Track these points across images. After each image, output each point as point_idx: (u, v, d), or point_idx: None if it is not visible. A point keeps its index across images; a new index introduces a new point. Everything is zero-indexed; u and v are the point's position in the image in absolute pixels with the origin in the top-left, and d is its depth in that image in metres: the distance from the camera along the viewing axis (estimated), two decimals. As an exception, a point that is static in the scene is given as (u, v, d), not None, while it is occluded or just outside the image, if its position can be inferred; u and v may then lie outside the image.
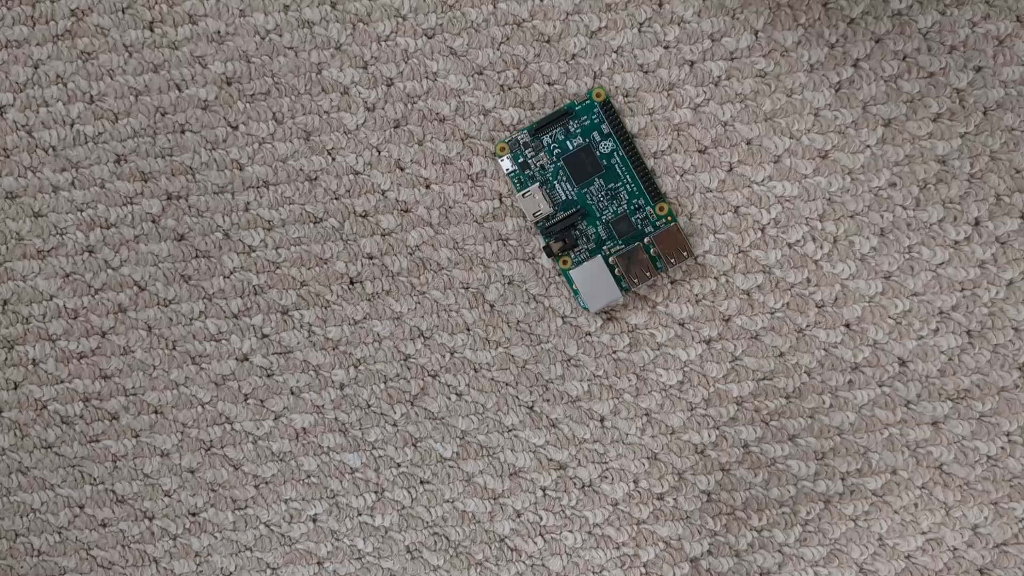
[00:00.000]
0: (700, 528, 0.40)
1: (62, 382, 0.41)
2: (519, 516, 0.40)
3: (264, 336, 0.41)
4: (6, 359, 0.41)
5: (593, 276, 0.39)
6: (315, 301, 0.41)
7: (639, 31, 0.40)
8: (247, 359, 0.41)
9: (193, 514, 0.41)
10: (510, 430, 0.40)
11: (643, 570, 0.40)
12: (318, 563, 0.41)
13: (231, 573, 0.41)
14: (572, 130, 0.40)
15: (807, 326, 0.40)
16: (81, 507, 0.41)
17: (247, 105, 0.41)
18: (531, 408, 0.40)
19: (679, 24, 0.40)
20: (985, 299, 0.40)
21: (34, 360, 0.41)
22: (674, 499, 0.40)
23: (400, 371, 0.41)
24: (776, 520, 0.40)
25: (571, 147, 0.40)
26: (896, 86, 0.40)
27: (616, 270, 0.39)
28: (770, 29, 0.40)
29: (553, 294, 0.40)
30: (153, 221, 0.41)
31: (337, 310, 0.41)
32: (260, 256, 0.41)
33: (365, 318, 0.41)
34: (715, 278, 0.40)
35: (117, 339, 0.41)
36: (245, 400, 0.41)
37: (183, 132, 0.41)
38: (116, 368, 0.41)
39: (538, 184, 0.40)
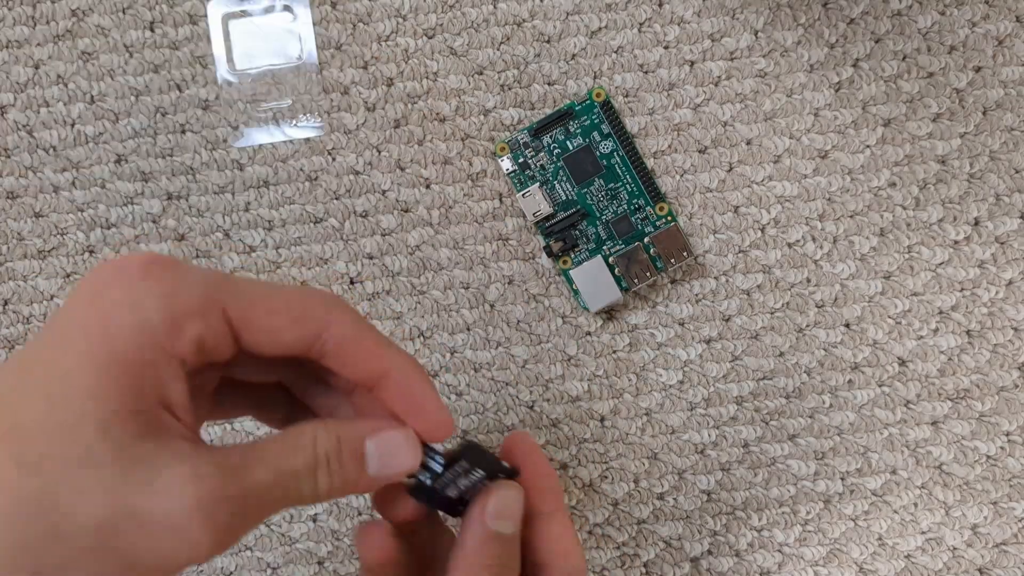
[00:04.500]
0: (700, 528, 0.40)
1: (62, 382, 0.41)
2: (519, 516, 0.40)
3: (264, 336, 0.41)
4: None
5: (593, 276, 0.39)
6: (315, 301, 0.41)
7: (639, 31, 0.40)
8: (247, 359, 0.41)
9: (193, 514, 0.41)
10: (510, 430, 0.40)
11: (643, 570, 0.40)
12: (318, 563, 0.41)
13: (231, 573, 0.41)
14: (572, 130, 0.40)
15: (807, 326, 0.40)
16: (81, 507, 0.41)
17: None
18: (531, 408, 0.40)
19: (679, 24, 0.40)
20: (985, 299, 0.40)
21: (35, 360, 0.41)
22: (674, 499, 0.40)
23: (400, 371, 0.41)
24: (776, 520, 0.40)
25: (571, 147, 0.40)
26: (896, 86, 0.40)
27: (616, 270, 0.39)
28: (770, 29, 0.40)
29: (553, 294, 0.40)
30: (153, 221, 0.41)
31: (337, 310, 0.41)
32: (260, 256, 0.41)
33: (365, 318, 0.41)
34: (715, 278, 0.40)
35: (117, 339, 0.41)
36: (245, 400, 0.41)
37: (183, 132, 0.41)
38: (116, 368, 0.41)
39: (538, 184, 0.40)
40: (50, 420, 0.20)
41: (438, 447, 0.27)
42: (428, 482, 0.26)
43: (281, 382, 0.28)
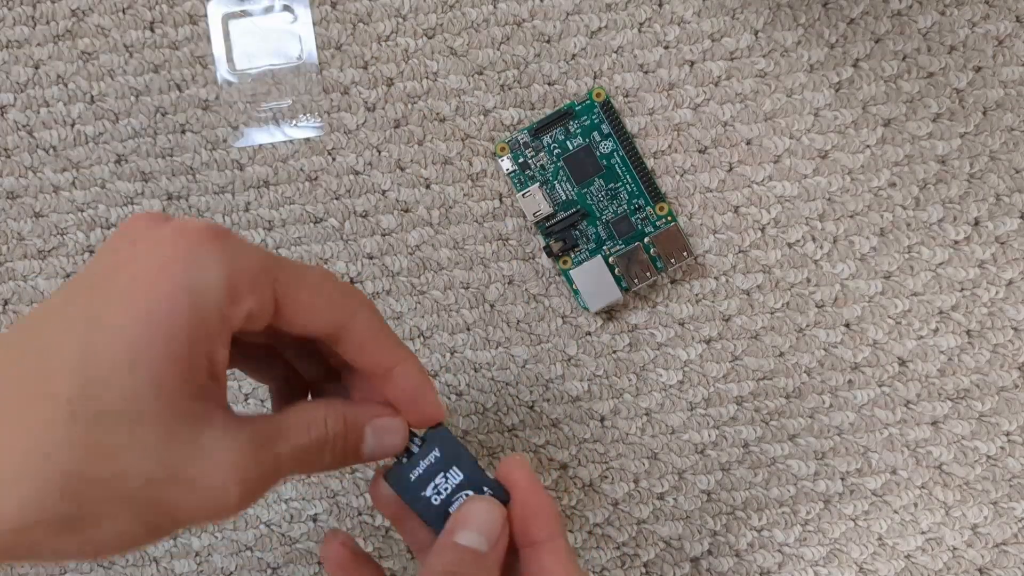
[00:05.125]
0: (700, 528, 0.40)
1: (63, 382, 0.41)
2: (519, 516, 0.40)
3: (264, 336, 0.41)
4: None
5: (593, 276, 0.39)
6: (315, 301, 0.41)
7: (639, 31, 0.40)
8: (247, 359, 0.41)
9: (193, 514, 0.41)
10: (510, 430, 0.40)
11: (643, 570, 0.40)
12: (318, 563, 0.41)
13: (231, 573, 0.41)
14: (572, 130, 0.40)
15: (807, 326, 0.40)
16: (81, 507, 0.41)
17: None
18: (531, 408, 0.40)
19: (679, 24, 0.40)
20: (985, 299, 0.40)
21: (35, 360, 0.41)
22: (674, 499, 0.40)
23: (400, 371, 0.41)
24: (776, 520, 0.40)
25: (571, 147, 0.40)
26: (896, 86, 0.40)
27: (616, 270, 0.39)
28: (770, 29, 0.40)
29: (553, 294, 0.40)
30: (153, 221, 0.41)
31: (337, 310, 0.41)
32: (260, 256, 0.41)
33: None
34: (715, 278, 0.40)
35: (117, 339, 0.41)
36: (246, 400, 0.41)
37: (183, 132, 0.41)
38: (116, 368, 0.41)
39: (538, 184, 0.40)
40: (108, 374, 0.20)
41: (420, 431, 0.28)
42: (404, 459, 0.28)
43: (274, 346, 0.29)
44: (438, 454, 0.28)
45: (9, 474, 0.20)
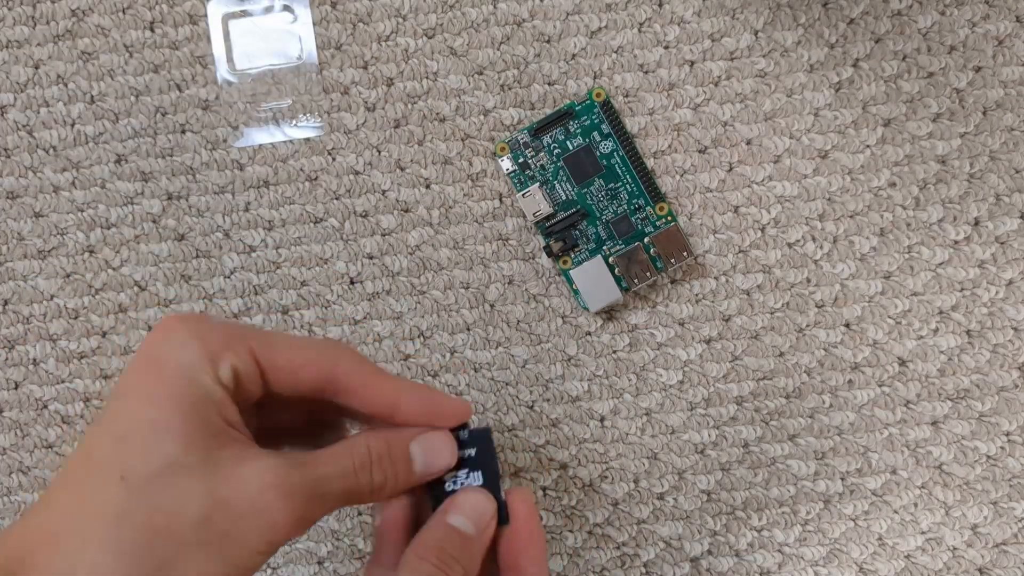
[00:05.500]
0: (700, 528, 0.40)
1: (63, 382, 0.41)
2: (519, 516, 0.40)
3: (264, 336, 0.41)
4: (7, 359, 0.41)
5: (593, 276, 0.39)
6: (315, 301, 0.41)
7: (639, 31, 0.40)
8: (247, 359, 0.41)
9: (193, 514, 0.41)
10: (510, 430, 0.40)
11: (643, 570, 0.40)
12: (318, 563, 0.41)
13: (231, 573, 0.41)
14: (572, 130, 0.40)
15: (807, 326, 0.40)
16: (82, 507, 0.41)
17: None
18: (531, 408, 0.40)
19: (679, 24, 0.40)
20: (985, 299, 0.40)
21: (35, 360, 0.41)
22: (674, 499, 0.40)
23: (400, 371, 0.41)
24: (776, 520, 0.40)
25: (571, 147, 0.40)
26: (896, 86, 0.40)
27: (616, 270, 0.39)
28: (770, 29, 0.40)
29: (553, 294, 0.40)
30: (153, 221, 0.41)
31: (337, 310, 0.41)
32: (260, 256, 0.41)
33: (365, 318, 0.41)
34: (715, 278, 0.40)
35: (118, 339, 0.41)
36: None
37: (183, 132, 0.41)
38: (116, 368, 0.41)
39: (538, 184, 0.40)
40: (141, 448, 0.24)
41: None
42: None
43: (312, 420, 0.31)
44: (472, 454, 0.29)
45: (79, 543, 0.23)
